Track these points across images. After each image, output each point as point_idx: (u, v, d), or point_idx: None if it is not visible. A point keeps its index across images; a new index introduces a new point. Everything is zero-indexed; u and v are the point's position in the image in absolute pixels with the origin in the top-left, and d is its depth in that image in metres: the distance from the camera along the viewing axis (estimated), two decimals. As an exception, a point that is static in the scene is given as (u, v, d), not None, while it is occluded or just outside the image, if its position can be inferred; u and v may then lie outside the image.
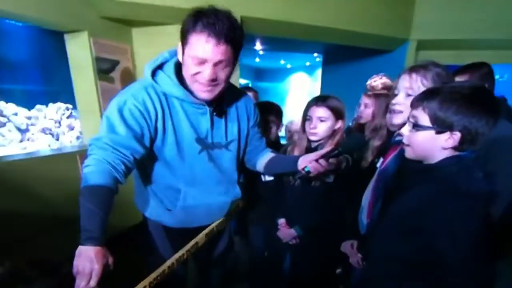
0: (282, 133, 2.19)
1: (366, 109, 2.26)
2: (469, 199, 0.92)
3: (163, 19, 2.94)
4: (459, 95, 0.96)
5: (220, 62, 1.15)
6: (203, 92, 1.22)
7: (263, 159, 1.59)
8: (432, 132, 1.00)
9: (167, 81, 1.24)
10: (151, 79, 1.23)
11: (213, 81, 1.18)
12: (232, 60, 1.19)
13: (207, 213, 1.48)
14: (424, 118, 1.01)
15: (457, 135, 0.96)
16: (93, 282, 0.94)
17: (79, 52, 2.73)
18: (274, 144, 2.06)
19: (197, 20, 1.10)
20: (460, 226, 0.91)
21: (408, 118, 1.09)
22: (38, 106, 3.32)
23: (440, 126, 0.98)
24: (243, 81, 11.22)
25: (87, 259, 0.95)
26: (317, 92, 9.85)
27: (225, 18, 1.11)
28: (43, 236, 2.34)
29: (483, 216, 0.90)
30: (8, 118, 3.58)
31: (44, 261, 1.93)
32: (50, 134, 3.32)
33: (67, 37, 2.74)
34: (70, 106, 3.14)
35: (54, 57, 3.05)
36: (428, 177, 1.04)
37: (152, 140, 1.26)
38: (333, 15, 3.41)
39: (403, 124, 1.34)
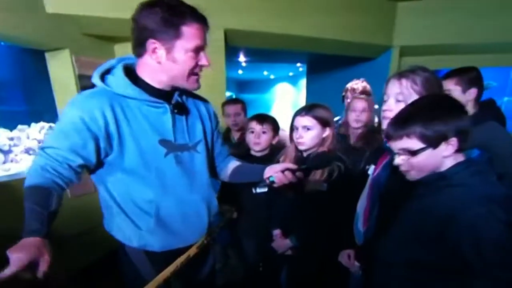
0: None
1: (364, 113, 2.27)
2: (489, 204, 0.92)
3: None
4: (435, 107, 1.03)
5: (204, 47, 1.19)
6: (196, 82, 1.24)
7: (229, 166, 1.55)
8: (430, 150, 1.01)
9: (119, 82, 1.17)
10: (101, 83, 1.17)
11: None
12: None
13: (185, 224, 1.32)
14: (414, 143, 1.02)
15: (454, 140, 0.98)
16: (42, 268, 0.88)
17: (61, 70, 2.68)
18: (268, 156, 2.06)
19: (179, 10, 1.11)
20: (483, 232, 0.90)
21: (396, 152, 1.09)
22: (20, 127, 3.22)
23: (434, 142, 1.00)
24: (227, 94, 11.19)
25: (32, 247, 0.89)
26: (302, 102, 9.92)
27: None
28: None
29: (504, 220, 0.89)
30: (-12, 140, 3.48)
31: None
32: (34, 154, 3.23)
33: (48, 55, 2.69)
34: (53, 125, 3.06)
35: (35, 76, 2.98)
36: (443, 185, 1.03)
37: (106, 151, 1.16)
38: (316, 25, 3.46)
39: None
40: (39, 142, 3.22)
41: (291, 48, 4.03)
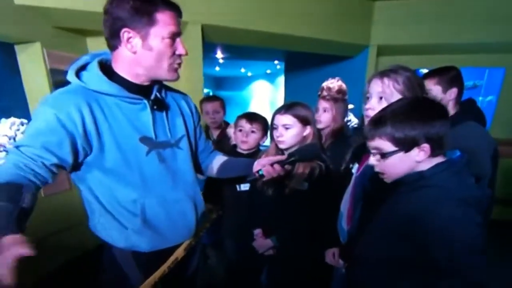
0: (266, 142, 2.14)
1: (325, 113, 2.27)
2: (464, 206, 0.92)
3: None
4: (405, 111, 1.00)
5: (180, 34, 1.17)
6: (175, 72, 1.20)
7: (216, 161, 1.53)
8: (401, 153, 1.01)
9: (94, 78, 1.13)
10: (77, 80, 1.12)
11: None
12: None
13: (172, 224, 1.28)
14: (386, 145, 1.02)
15: (426, 146, 0.98)
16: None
17: (32, 64, 2.57)
18: (255, 154, 2.02)
19: None
20: (455, 233, 0.90)
21: (370, 151, 1.09)
22: (-11, 122, 3.09)
23: (405, 145, 0.99)
24: (204, 91, 11.11)
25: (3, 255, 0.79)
26: (279, 100, 9.95)
27: None
28: None
29: (478, 222, 0.90)
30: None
31: None
32: (5, 151, 3.10)
33: (18, 48, 2.57)
34: (25, 121, 2.94)
35: (3, 70, 2.84)
36: (421, 185, 1.03)
37: (85, 151, 1.11)
38: (293, 22, 3.46)
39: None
40: (9, 138, 3.08)
41: (269, 46, 4.02)
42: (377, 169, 1.09)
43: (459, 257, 0.89)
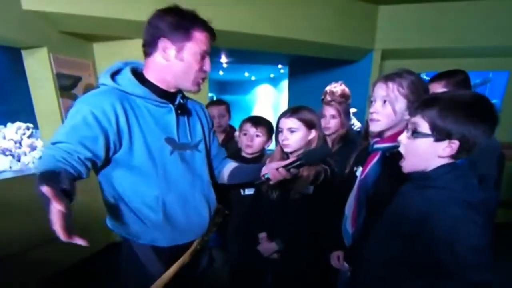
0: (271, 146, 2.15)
1: (334, 119, 2.29)
2: (467, 208, 0.92)
3: (124, 33, 2.87)
4: (458, 103, 0.97)
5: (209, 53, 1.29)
6: (198, 85, 1.31)
7: (227, 167, 1.61)
8: (431, 140, 0.99)
9: (128, 82, 1.23)
10: (111, 82, 1.22)
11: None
12: None
13: (188, 221, 1.38)
14: (423, 125, 1.00)
15: (456, 143, 0.96)
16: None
17: (39, 68, 2.60)
18: (259, 158, 2.03)
19: (192, 17, 1.22)
20: (459, 234, 0.90)
21: (407, 125, 1.09)
22: (-5, 127, 3.13)
23: (439, 134, 0.98)
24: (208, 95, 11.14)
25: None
26: (283, 104, 9.95)
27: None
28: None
29: (481, 224, 0.91)
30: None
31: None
32: (11, 155, 3.14)
33: (24, 53, 2.61)
34: (30, 125, 2.98)
35: (10, 75, 2.88)
36: (425, 185, 1.03)
37: (115, 147, 1.19)
38: (297, 26, 3.46)
39: (380, 132, 1.35)
40: (15, 142, 3.12)
41: (272, 50, 4.02)
42: (401, 149, 1.08)
43: (463, 257, 0.89)
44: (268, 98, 12.57)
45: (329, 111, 2.31)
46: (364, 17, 3.80)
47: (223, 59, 6.32)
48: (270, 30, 3.33)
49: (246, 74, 11.83)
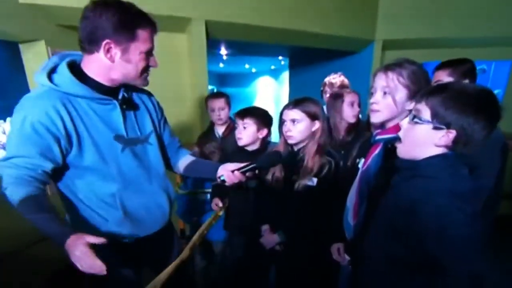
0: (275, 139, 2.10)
1: (354, 108, 2.20)
2: (454, 197, 0.92)
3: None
4: (464, 95, 0.95)
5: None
6: (145, 80, 1.29)
7: (184, 160, 1.59)
8: (429, 127, 0.99)
9: (66, 81, 1.16)
10: (49, 83, 1.15)
11: None
12: None
13: (148, 214, 1.40)
14: (425, 112, 0.99)
15: (453, 133, 0.95)
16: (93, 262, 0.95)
17: (37, 62, 2.57)
18: (261, 151, 1.99)
19: (135, 14, 1.15)
20: (445, 225, 0.89)
21: (411, 110, 1.08)
22: (-5, 121, 3.10)
23: (439, 122, 0.97)
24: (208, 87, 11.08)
25: (78, 250, 0.95)
26: (284, 96, 9.91)
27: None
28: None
29: (470, 213, 0.89)
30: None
31: None
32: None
33: (22, 47, 2.58)
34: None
35: (8, 69, 2.86)
36: (415, 174, 1.03)
37: (66, 151, 1.17)
38: (298, 18, 3.44)
39: (382, 123, 1.34)
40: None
41: (272, 41, 4.00)
42: (400, 134, 1.08)
43: (450, 248, 0.89)
44: (269, 90, 12.51)
45: (354, 97, 2.20)
46: (365, 7, 3.78)
47: (223, 51, 6.25)
48: (270, 21, 3.31)
49: (247, 66, 11.74)
